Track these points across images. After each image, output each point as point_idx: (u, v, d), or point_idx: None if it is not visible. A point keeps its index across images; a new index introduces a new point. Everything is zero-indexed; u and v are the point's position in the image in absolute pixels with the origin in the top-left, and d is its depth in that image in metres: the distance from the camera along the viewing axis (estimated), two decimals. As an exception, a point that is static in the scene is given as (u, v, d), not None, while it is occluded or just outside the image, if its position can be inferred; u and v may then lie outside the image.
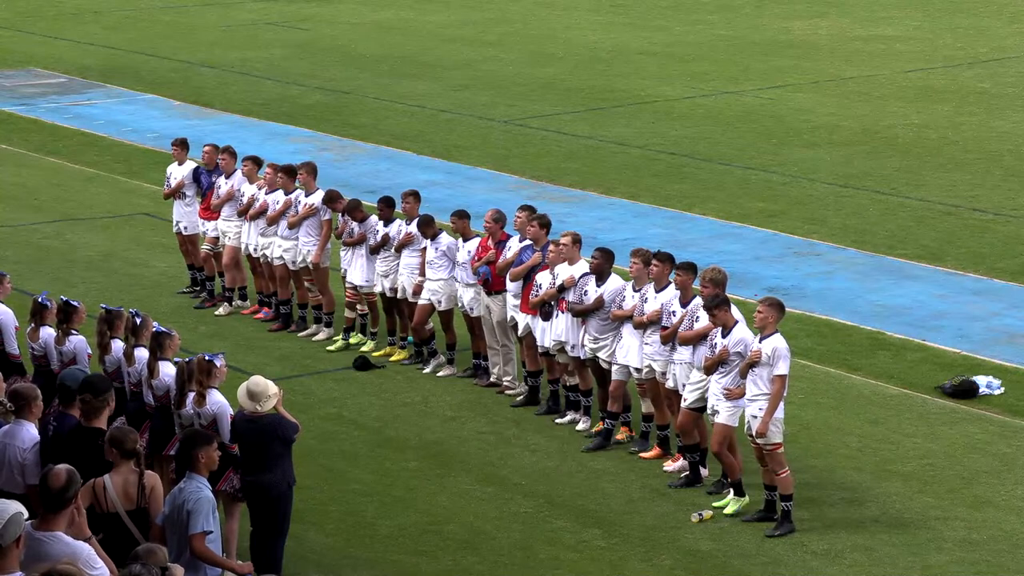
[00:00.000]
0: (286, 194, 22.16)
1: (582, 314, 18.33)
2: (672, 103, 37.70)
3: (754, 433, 16.05)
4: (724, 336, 16.35)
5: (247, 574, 12.60)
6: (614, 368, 18.15)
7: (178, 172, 23.73)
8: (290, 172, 22.28)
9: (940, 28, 48.03)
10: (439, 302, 20.46)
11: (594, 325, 18.25)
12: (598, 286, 18.29)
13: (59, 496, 10.62)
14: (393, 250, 20.97)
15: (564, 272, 18.65)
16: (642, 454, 18.01)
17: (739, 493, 16.63)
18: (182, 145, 23.84)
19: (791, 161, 31.88)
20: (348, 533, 16.24)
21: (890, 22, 49.03)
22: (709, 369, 16.54)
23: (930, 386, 19.92)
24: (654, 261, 17.73)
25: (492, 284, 19.76)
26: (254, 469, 14.29)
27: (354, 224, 21.46)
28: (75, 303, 16.45)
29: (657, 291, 17.62)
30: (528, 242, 19.42)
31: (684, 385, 17.15)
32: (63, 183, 30.96)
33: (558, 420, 19.03)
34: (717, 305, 16.39)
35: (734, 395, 16.27)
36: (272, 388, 14.35)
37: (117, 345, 15.90)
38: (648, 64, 42.71)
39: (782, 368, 15.91)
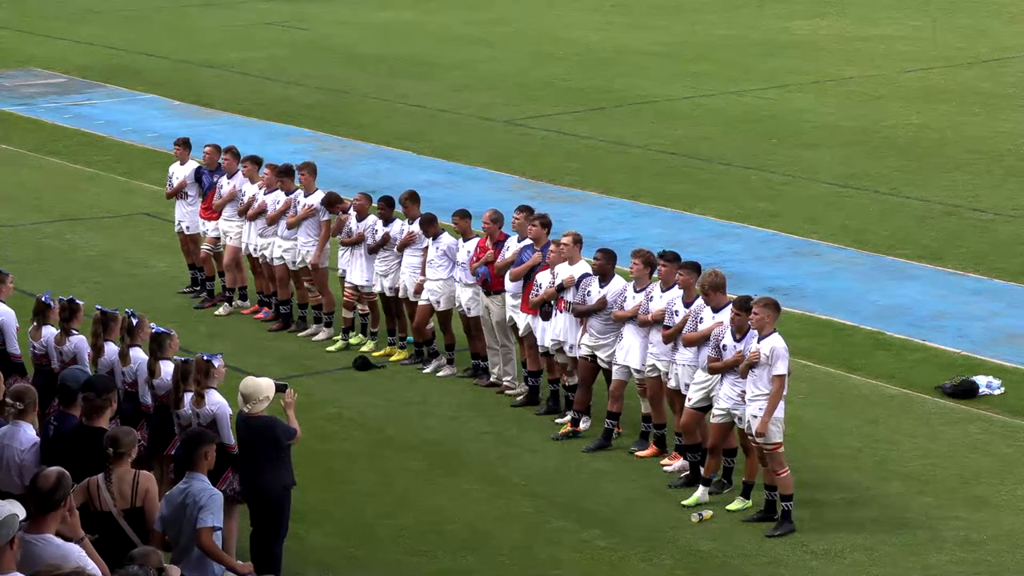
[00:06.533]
0: (286, 194, 22.17)
1: (584, 314, 18.33)
2: (672, 103, 37.71)
3: (754, 432, 16.06)
4: (739, 340, 16.27)
5: (247, 574, 12.60)
6: (615, 368, 18.15)
7: (180, 172, 23.74)
8: (288, 172, 22.30)
9: (940, 28, 48.05)
10: (437, 302, 20.46)
11: (596, 325, 18.25)
12: (601, 287, 18.29)
13: (48, 498, 10.62)
14: (395, 249, 20.97)
15: (564, 272, 18.65)
16: (638, 452, 18.04)
17: (745, 495, 16.67)
18: (184, 145, 23.86)
19: (791, 161, 31.88)
20: (348, 533, 16.24)
21: (890, 22, 49.06)
22: (714, 370, 16.50)
23: (930, 386, 19.91)
24: (661, 262, 17.72)
25: (491, 284, 19.76)
26: (249, 470, 14.26)
27: (352, 224, 21.45)
28: (78, 302, 16.47)
29: (664, 290, 17.62)
30: (528, 242, 19.43)
31: (687, 385, 17.14)
32: (63, 183, 30.97)
33: (558, 420, 19.03)
34: (748, 308, 16.24)
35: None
36: (264, 391, 14.21)
37: (111, 347, 15.89)
38: (648, 64, 42.72)
39: (780, 368, 15.90)
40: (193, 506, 12.03)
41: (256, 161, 22.95)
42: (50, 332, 16.39)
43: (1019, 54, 43.66)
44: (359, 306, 21.65)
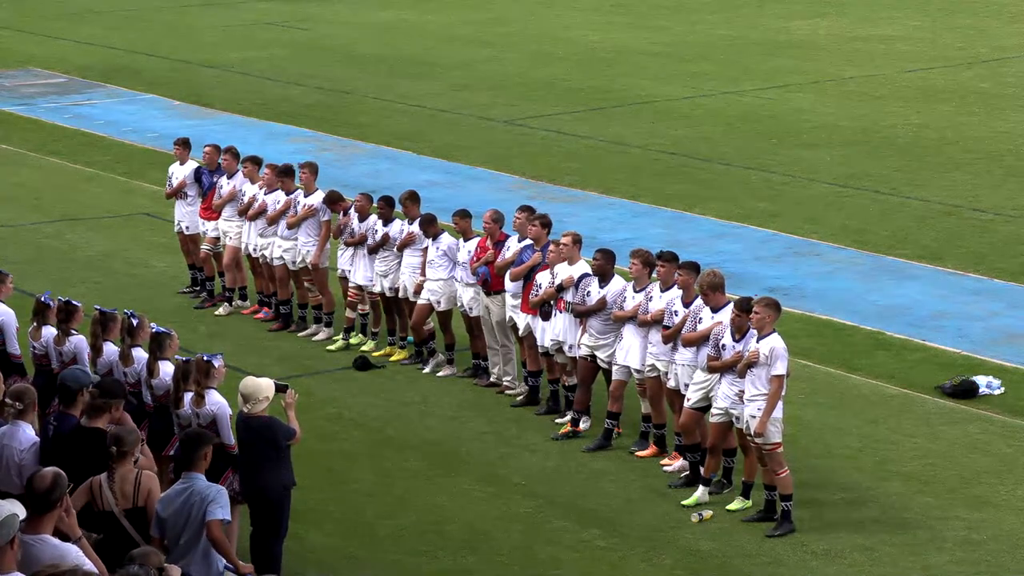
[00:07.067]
0: (286, 194, 22.17)
1: (584, 315, 18.33)
2: (672, 103, 37.71)
3: (752, 433, 16.06)
4: (738, 340, 16.27)
5: (247, 575, 12.61)
6: (614, 368, 18.15)
7: (180, 172, 23.74)
8: (288, 172, 22.31)
9: (940, 28, 48.06)
10: (438, 302, 20.45)
11: (596, 325, 18.25)
12: (601, 287, 18.29)
13: (44, 498, 10.63)
14: (395, 249, 20.97)
15: (564, 272, 18.65)
16: (638, 452, 18.04)
17: (745, 495, 16.67)
18: (184, 145, 23.86)
19: (791, 161, 31.88)
20: (348, 533, 16.25)
21: (890, 22, 49.06)
22: (713, 369, 16.50)
23: (930, 386, 19.91)
24: (659, 263, 17.71)
25: (491, 284, 19.76)
26: (249, 470, 14.25)
27: (355, 224, 21.46)
28: (76, 303, 16.47)
29: (663, 290, 17.61)
30: (529, 242, 19.43)
31: (686, 385, 17.14)
32: (63, 183, 30.98)
33: (558, 420, 19.03)
34: (748, 310, 16.24)
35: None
36: (264, 391, 14.19)
37: (110, 348, 15.90)
38: (648, 64, 42.72)
39: (779, 368, 15.89)
40: (201, 502, 12.07)
41: (256, 161, 22.95)
42: (50, 332, 16.39)
43: (1019, 54, 43.66)
44: (360, 306, 21.65)
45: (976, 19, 49.59)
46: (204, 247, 23.51)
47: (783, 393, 16.04)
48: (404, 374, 20.74)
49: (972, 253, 25.63)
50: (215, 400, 14.57)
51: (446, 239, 20.48)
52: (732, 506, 16.61)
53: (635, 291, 17.93)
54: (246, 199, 22.55)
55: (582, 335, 18.46)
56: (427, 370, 20.69)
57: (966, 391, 19.56)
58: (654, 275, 17.89)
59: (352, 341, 21.64)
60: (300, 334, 22.15)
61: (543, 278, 18.93)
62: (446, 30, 48.68)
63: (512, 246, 19.64)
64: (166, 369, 15.26)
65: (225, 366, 14.97)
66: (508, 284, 19.51)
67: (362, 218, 21.45)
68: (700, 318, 16.99)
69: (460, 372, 20.64)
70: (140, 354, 15.70)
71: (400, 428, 18.94)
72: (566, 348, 18.79)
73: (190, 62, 43.82)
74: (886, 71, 41.30)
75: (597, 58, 43.66)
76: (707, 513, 16.43)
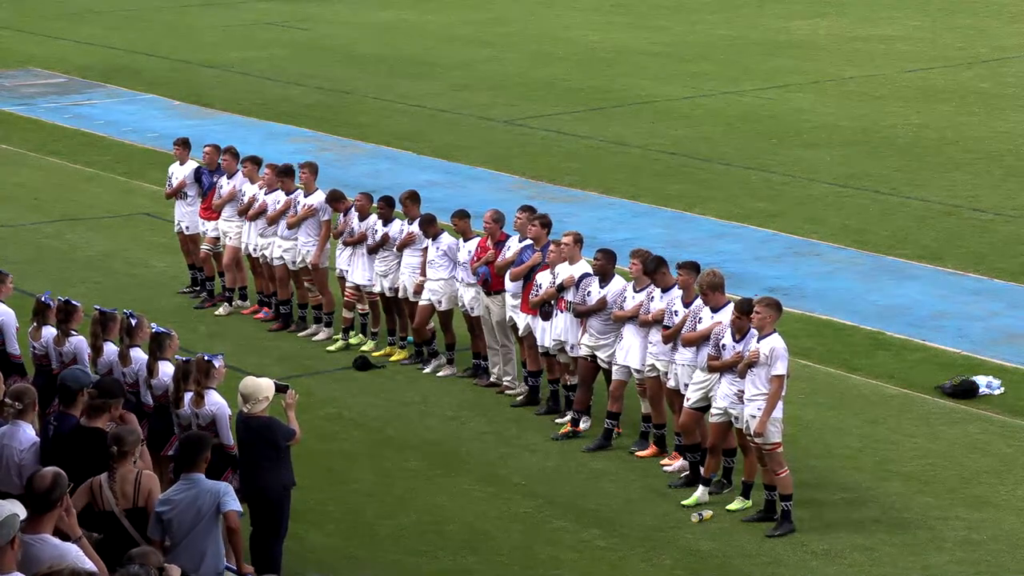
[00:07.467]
0: (286, 194, 22.18)
1: (584, 315, 18.33)
2: (672, 103, 37.71)
3: (752, 433, 16.06)
4: (738, 341, 16.26)
5: (247, 575, 12.61)
6: (614, 368, 18.15)
7: (180, 172, 23.75)
8: (288, 172, 22.32)
9: (940, 28, 48.06)
10: (439, 302, 20.45)
11: (596, 325, 18.25)
12: (601, 287, 18.29)
13: (44, 498, 10.64)
14: (395, 249, 20.97)
15: (564, 272, 18.66)
16: (638, 452, 18.04)
17: (745, 495, 16.67)
18: (184, 145, 23.87)
19: (791, 161, 31.88)
20: (348, 533, 16.25)
21: (890, 22, 49.06)
22: (713, 368, 16.49)
23: (930, 386, 19.91)
24: (654, 275, 17.67)
25: (491, 284, 19.77)
26: (249, 470, 14.25)
27: (355, 224, 21.46)
28: (75, 303, 16.47)
29: (664, 291, 17.61)
30: (529, 242, 19.43)
31: (686, 385, 17.14)
32: (63, 183, 30.98)
33: (558, 420, 19.03)
34: (748, 311, 16.22)
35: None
36: (264, 391, 14.19)
37: (110, 347, 15.89)
38: (648, 64, 42.72)
39: (780, 368, 15.89)
40: (212, 498, 12.13)
41: (256, 161, 22.95)
42: (50, 332, 16.39)
43: (1019, 54, 43.66)
44: (359, 306, 21.65)
45: (976, 19, 49.59)
46: (204, 247, 23.52)
47: (783, 393, 16.04)
48: (404, 374, 20.74)
49: (972, 253, 25.63)
50: (215, 400, 14.56)
51: (446, 239, 20.48)
52: (732, 506, 16.61)
53: (635, 291, 17.93)
54: (246, 199, 22.56)
55: (582, 335, 18.47)
56: (427, 370, 20.69)
57: (966, 391, 19.56)
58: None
59: (352, 341, 21.65)
60: (300, 334, 22.15)
61: (543, 278, 18.94)
62: (446, 30, 48.68)
63: (512, 246, 19.65)
64: (165, 369, 15.25)
65: (225, 366, 14.97)
66: (508, 284, 19.51)
67: (362, 218, 21.46)
68: (700, 318, 16.99)
69: (460, 372, 20.64)
70: (139, 354, 15.69)
71: (400, 428, 18.94)
72: (568, 348, 18.79)
73: (190, 62, 43.82)
74: (886, 71, 41.30)
75: (597, 58, 43.66)
76: (707, 513, 16.43)
